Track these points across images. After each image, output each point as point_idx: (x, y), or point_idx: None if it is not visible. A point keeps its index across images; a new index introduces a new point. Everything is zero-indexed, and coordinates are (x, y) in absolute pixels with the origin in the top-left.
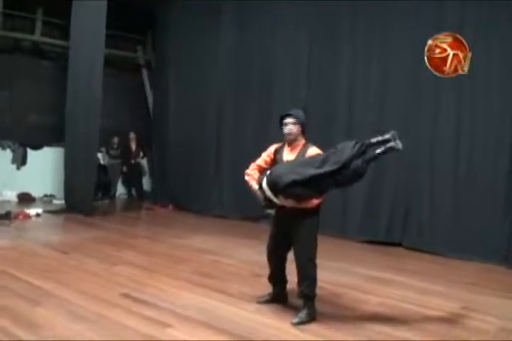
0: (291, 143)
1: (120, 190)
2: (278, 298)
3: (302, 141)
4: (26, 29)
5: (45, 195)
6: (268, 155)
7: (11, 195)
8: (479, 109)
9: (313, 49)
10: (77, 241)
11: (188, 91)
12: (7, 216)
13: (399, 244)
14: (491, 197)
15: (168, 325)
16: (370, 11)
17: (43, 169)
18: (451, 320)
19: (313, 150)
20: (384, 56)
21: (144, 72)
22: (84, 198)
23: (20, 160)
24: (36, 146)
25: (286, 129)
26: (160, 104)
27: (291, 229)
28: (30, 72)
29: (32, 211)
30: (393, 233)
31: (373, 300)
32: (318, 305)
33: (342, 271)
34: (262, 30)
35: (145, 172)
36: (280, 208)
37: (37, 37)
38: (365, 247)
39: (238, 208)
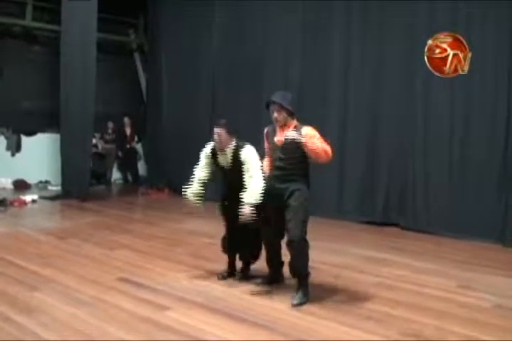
0: (282, 126)
1: (116, 175)
2: (274, 279)
3: (293, 123)
4: (17, 14)
5: (40, 182)
6: (266, 143)
7: (6, 182)
8: (473, 87)
9: (307, 29)
10: (74, 226)
11: (182, 75)
12: (3, 203)
13: (395, 224)
14: (486, 177)
15: (166, 308)
16: None
17: (38, 155)
18: (448, 298)
19: (306, 131)
20: (379, 36)
21: (137, 56)
22: (80, 184)
23: (15, 147)
24: (30, 133)
25: (273, 116)
26: (153, 88)
27: (284, 210)
28: (21, 57)
29: (28, 197)
30: (389, 213)
31: (371, 280)
32: (317, 286)
33: (339, 251)
34: (254, 11)
35: (140, 157)
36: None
37: (28, 22)
38: (362, 228)
39: None
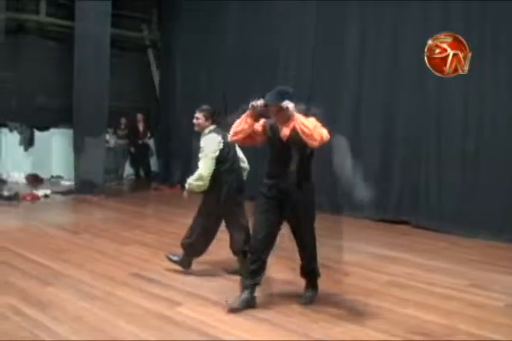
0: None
1: (128, 170)
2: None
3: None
4: (31, 10)
5: (53, 176)
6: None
7: (19, 177)
8: (487, 82)
9: (320, 27)
10: (86, 221)
11: (195, 71)
12: (16, 197)
13: (407, 222)
14: (500, 175)
15: (178, 303)
16: None
17: (51, 150)
18: (458, 297)
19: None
20: (393, 32)
21: (150, 52)
22: (93, 179)
23: (28, 142)
24: (43, 128)
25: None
26: (166, 84)
27: (288, 212)
28: (35, 53)
29: (40, 192)
30: (401, 211)
31: (381, 278)
32: (328, 284)
33: (350, 249)
34: (269, 5)
35: (152, 153)
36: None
37: (42, 17)
38: (373, 226)
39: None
